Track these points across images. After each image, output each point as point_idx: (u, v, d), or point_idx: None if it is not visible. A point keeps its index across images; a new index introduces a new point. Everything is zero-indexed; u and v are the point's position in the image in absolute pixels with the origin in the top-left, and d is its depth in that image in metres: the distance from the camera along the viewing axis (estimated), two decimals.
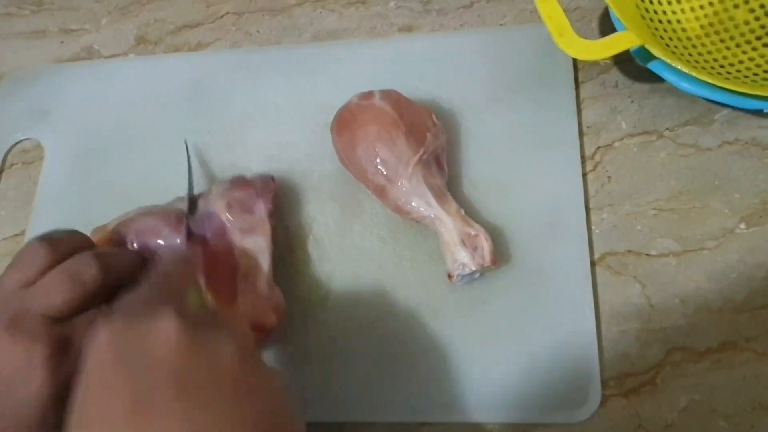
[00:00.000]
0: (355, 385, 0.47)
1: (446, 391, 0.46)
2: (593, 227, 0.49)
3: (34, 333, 0.36)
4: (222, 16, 0.63)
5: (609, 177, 0.51)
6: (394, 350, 0.48)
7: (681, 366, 0.45)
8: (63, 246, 0.40)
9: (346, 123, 0.50)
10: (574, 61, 0.54)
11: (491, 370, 0.46)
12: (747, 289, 0.46)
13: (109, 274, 0.39)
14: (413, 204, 0.47)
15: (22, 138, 0.62)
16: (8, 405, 0.35)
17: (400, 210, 0.48)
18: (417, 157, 0.47)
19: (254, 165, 0.55)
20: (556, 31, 0.47)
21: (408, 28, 0.59)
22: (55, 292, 0.37)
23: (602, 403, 0.44)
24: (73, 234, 0.43)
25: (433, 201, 0.47)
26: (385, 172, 0.48)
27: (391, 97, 0.49)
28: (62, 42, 0.66)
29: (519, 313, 0.47)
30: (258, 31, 0.62)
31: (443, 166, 0.50)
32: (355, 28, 0.60)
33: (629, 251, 0.48)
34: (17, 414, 0.35)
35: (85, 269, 0.38)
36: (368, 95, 0.50)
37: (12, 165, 0.61)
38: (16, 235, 0.57)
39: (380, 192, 0.49)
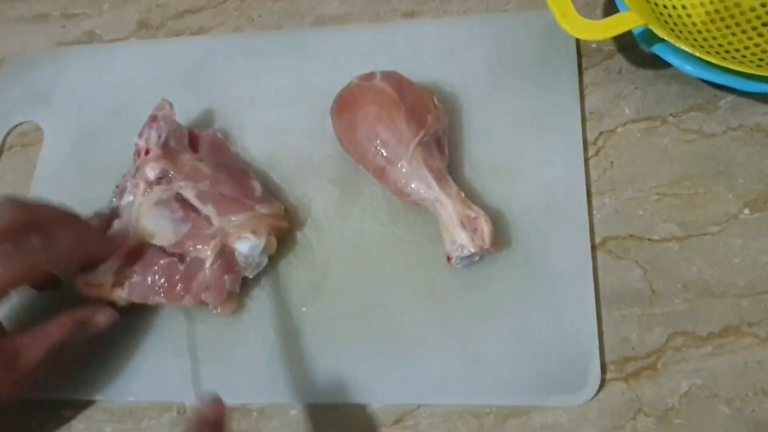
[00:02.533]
0: (353, 367, 0.47)
1: (444, 374, 0.46)
2: (595, 212, 0.49)
3: None
4: (224, 1, 0.63)
5: (612, 162, 0.50)
6: (392, 333, 0.47)
7: (682, 350, 0.44)
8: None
9: (346, 104, 0.49)
10: (578, 46, 0.54)
11: (490, 353, 0.46)
12: (750, 275, 0.45)
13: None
14: (413, 186, 0.47)
15: (22, 121, 0.61)
16: None
17: (399, 192, 0.48)
18: (417, 138, 0.47)
19: (253, 148, 0.55)
20: (558, 11, 0.46)
21: (411, 14, 0.59)
22: None
23: (602, 386, 0.44)
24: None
25: (433, 183, 0.47)
26: (385, 154, 0.47)
27: (392, 78, 0.49)
28: (63, 26, 0.66)
29: (518, 297, 0.47)
30: (260, 16, 0.62)
31: (444, 149, 0.49)
32: (357, 13, 0.60)
33: (631, 236, 0.48)
34: None
35: None
36: (369, 77, 0.49)
37: (11, 147, 0.61)
38: None
39: (380, 174, 0.48)
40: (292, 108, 0.56)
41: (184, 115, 0.56)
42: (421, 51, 0.56)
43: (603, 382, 0.44)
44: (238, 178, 0.50)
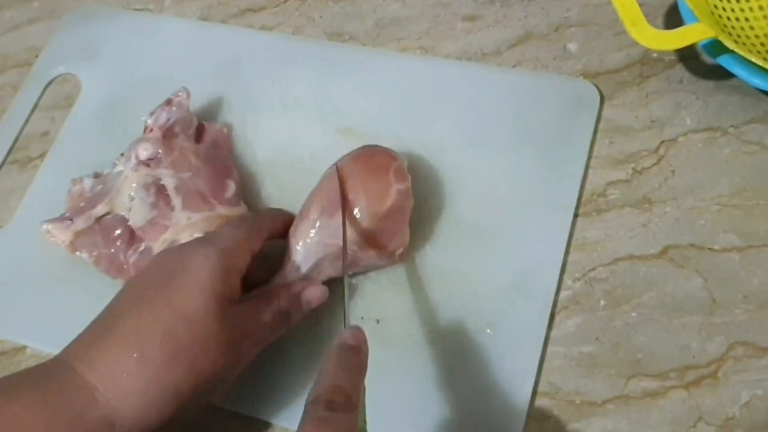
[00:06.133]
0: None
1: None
2: (657, 219, 0.49)
3: None
4: (286, 1, 0.64)
5: (673, 171, 0.50)
6: None
7: (743, 360, 0.44)
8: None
9: (335, 169, 0.49)
10: (597, 119, 0.53)
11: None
12: None
13: None
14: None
15: (65, 72, 0.65)
16: None
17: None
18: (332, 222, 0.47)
19: (259, 150, 0.57)
20: (628, 20, 0.47)
21: (471, 18, 0.60)
22: None
23: (662, 394, 0.44)
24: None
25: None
26: (313, 217, 0.48)
27: (358, 172, 0.48)
28: None
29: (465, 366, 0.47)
30: (321, 17, 0.63)
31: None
32: (417, 16, 0.61)
33: (692, 245, 0.48)
34: None
35: None
36: (356, 156, 0.49)
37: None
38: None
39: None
40: (306, 119, 0.57)
41: (205, 101, 0.58)
42: (442, 89, 0.56)
43: (663, 390, 0.44)
44: (218, 175, 0.52)
